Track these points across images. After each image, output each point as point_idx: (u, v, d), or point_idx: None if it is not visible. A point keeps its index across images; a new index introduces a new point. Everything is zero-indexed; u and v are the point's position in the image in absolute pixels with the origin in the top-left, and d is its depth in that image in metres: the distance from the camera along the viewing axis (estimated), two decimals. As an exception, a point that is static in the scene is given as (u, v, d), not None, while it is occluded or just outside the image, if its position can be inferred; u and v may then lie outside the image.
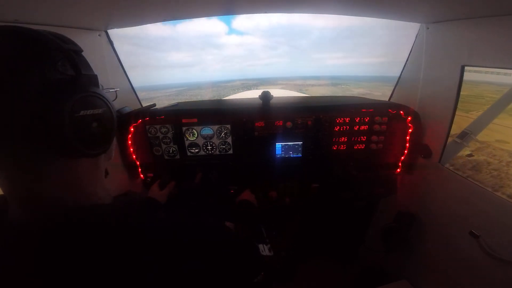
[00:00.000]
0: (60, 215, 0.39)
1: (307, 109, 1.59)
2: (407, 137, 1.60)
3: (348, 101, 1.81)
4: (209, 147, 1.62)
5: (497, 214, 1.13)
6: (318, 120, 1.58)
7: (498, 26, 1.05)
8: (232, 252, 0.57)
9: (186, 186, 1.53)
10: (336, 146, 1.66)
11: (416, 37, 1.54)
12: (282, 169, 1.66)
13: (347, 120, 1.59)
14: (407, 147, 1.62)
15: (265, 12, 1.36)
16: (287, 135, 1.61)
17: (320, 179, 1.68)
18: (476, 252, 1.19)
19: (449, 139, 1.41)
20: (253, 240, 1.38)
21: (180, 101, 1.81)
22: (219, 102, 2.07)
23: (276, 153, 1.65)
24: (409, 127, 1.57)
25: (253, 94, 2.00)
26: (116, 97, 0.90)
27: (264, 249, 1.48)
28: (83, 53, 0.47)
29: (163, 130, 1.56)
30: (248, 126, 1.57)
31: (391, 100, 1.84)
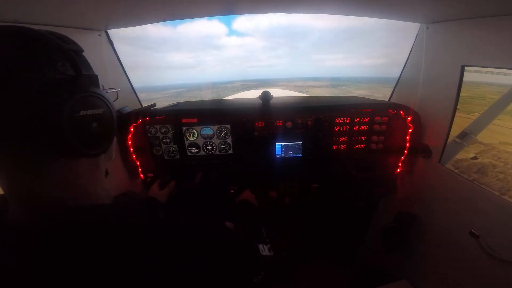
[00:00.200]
0: (60, 215, 0.39)
1: (307, 109, 1.59)
2: (407, 137, 1.60)
3: (348, 101, 1.81)
4: (209, 147, 1.62)
5: (497, 214, 1.13)
6: (318, 120, 1.58)
7: (498, 26, 1.05)
8: (232, 252, 0.57)
9: (186, 186, 1.53)
10: (336, 146, 1.66)
11: (416, 37, 1.54)
12: (282, 169, 1.66)
13: (347, 120, 1.59)
14: (407, 147, 1.62)
15: (265, 12, 1.36)
16: (287, 135, 1.61)
17: (320, 179, 1.68)
18: (476, 252, 1.19)
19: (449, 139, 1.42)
20: (253, 240, 1.38)
21: (180, 102, 1.82)
22: (219, 102, 2.07)
23: (276, 153, 1.65)
24: (409, 127, 1.57)
25: (253, 94, 2.00)
26: (117, 97, 0.90)
27: (264, 249, 1.48)
28: (83, 53, 0.47)
29: (163, 130, 1.56)
30: (248, 126, 1.57)
31: (391, 100, 1.85)
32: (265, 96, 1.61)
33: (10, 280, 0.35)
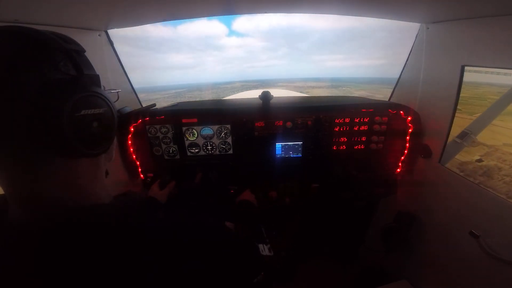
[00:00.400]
0: (60, 215, 0.39)
1: (307, 109, 1.59)
2: (407, 137, 1.60)
3: (348, 101, 1.81)
4: (209, 147, 1.62)
5: (497, 214, 1.13)
6: (318, 120, 1.58)
7: (498, 26, 1.05)
8: (232, 252, 0.57)
9: (186, 186, 1.53)
10: (336, 146, 1.66)
11: (416, 37, 1.54)
12: (282, 169, 1.66)
13: (347, 120, 1.59)
14: (407, 147, 1.62)
15: (265, 12, 1.36)
16: (287, 135, 1.61)
17: (320, 179, 1.68)
18: (476, 252, 1.19)
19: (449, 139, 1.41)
20: (253, 240, 1.38)
21: (180, 102, 1.82)
22: (219, 102, 2.07)
23: (276, 153, 1.65)
24: (409, 127, 1.57)
25: (253, 94, 2.00)
26: (118, 98, 0.89)
27: (264, 249, 1.48)
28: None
29: (163, 130, 1.56)
30: (248, 126, 1.57)
31: (391, 100, 1.85)
32: (265, 96, 1.61)
33: (10, 280, 0.35)
